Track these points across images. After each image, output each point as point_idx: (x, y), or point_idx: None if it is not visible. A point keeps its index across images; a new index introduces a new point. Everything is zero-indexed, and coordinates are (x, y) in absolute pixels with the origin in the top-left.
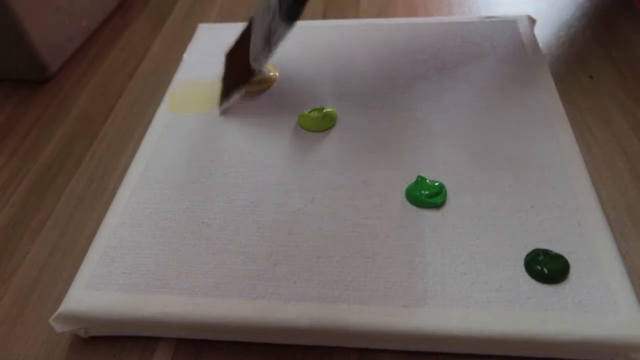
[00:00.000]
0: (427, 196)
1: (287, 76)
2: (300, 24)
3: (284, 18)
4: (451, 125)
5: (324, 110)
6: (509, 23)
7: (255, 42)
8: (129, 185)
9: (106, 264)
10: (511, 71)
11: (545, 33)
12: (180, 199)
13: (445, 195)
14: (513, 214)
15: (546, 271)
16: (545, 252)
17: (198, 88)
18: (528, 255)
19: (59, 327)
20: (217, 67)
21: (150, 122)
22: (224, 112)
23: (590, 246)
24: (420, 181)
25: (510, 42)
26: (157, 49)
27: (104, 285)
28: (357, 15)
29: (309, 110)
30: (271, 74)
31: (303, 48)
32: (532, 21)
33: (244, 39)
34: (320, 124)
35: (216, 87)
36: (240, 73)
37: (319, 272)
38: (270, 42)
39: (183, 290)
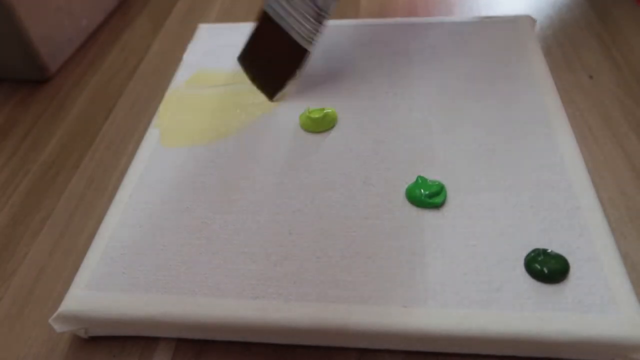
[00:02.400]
0: (427, 196)
1: None
2: None
3: None
4: (451, 125)
5: (324, 111)
6: (509, 23)
7: (295, 24)
8: (129, 185)
9: (106, 264)
10: (511, 71)
11: (545, 33)
12: (180, 199)
13: (445, 195)
14: (513, 214)
15: (546, 271)
16: (545, 252)
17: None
18: (528, 255)
19: (59, 327)
20: (216, 67)
21: (150, 122)
22: (278, 99)
23: (590, 246)
24: (420, 181)
25: (510, 42)
26: (157, 49)
27: (103, 285)
28: (357, 15)
29: (309, 110)
30: None
31: None
32: (532, 21)
33: (260, 36)
34: (320, 124)
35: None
36: (286, 61)
37: (319, 272)
38: (319, 13)
39: (183, 290)
